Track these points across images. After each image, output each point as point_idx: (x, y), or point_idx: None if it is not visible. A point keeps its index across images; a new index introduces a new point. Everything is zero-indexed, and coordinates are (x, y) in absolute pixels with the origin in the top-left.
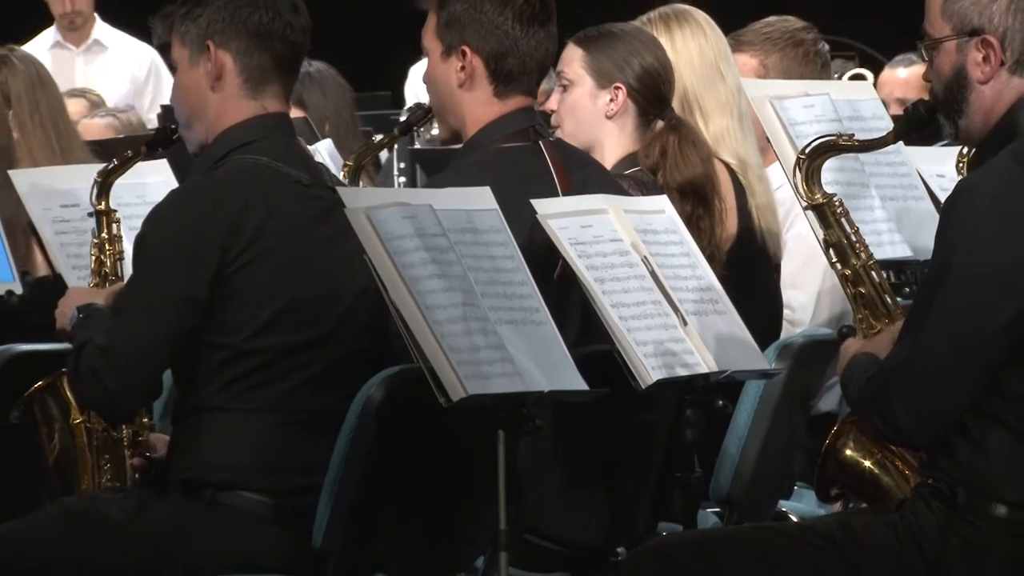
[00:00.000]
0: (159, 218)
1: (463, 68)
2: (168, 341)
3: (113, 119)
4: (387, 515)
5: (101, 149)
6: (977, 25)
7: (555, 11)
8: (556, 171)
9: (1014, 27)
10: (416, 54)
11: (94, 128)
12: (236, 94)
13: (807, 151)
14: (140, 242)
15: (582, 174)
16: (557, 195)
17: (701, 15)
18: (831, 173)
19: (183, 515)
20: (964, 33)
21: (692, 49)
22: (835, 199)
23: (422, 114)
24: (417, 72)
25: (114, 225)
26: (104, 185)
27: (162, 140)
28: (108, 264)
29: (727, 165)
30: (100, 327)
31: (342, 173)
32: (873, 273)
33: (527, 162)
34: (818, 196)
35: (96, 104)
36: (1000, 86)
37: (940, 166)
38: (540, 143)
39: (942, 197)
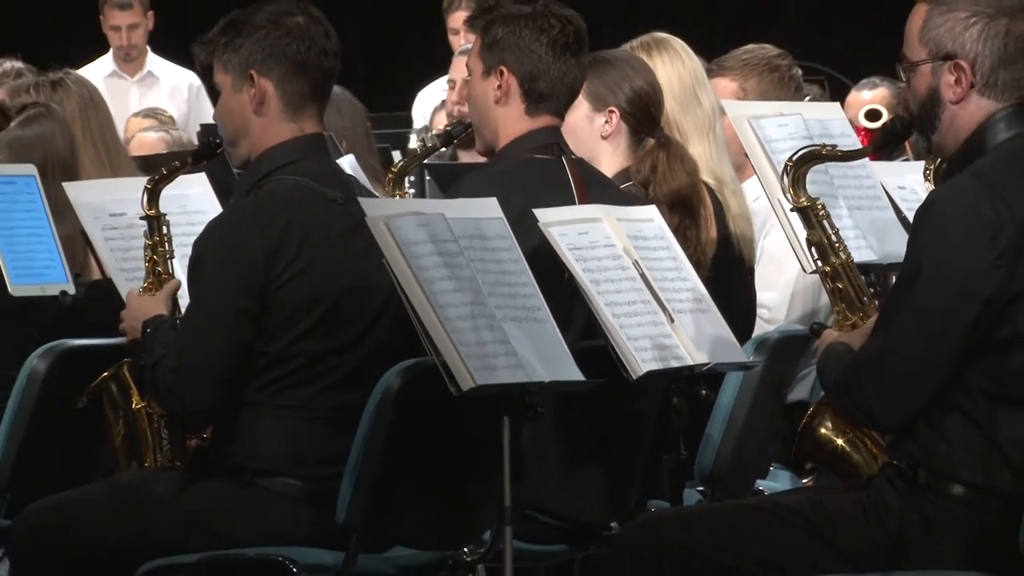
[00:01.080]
0: (210, 242)
1: (500, 86)
2: (231, 354)
3: (165, 134)
4: (403, 493)
5: (145, 164)
6: (951, 50)
7: (587, 44)
8: (576, 184)
9: (984, 53)
10: (424, 80)
11: (147, 142)
12: (277, 117)
13: (794, 159)
14: (194, 265)
15: (601, 193)
16: (575, 204)
17: (679, 43)
18: (807, 183)
19: (224, 495)
20: (939, 57)
21: (671, 75)
22: (818, 203)
23: (462, 128)
24: (425, 96)
25: (164, 228)
26: (154, 192)
27: (206, 153)
28: (161, 264)
29: (705, 183)
30: (168, 342)
31: (387, 182)
32: (851, 271)
33: (548, 172)
34: (803, 199)
35: (166, 123)
36: (970, 106)
37: (901, 179)
38: (563, 158)
39: (903, 207)
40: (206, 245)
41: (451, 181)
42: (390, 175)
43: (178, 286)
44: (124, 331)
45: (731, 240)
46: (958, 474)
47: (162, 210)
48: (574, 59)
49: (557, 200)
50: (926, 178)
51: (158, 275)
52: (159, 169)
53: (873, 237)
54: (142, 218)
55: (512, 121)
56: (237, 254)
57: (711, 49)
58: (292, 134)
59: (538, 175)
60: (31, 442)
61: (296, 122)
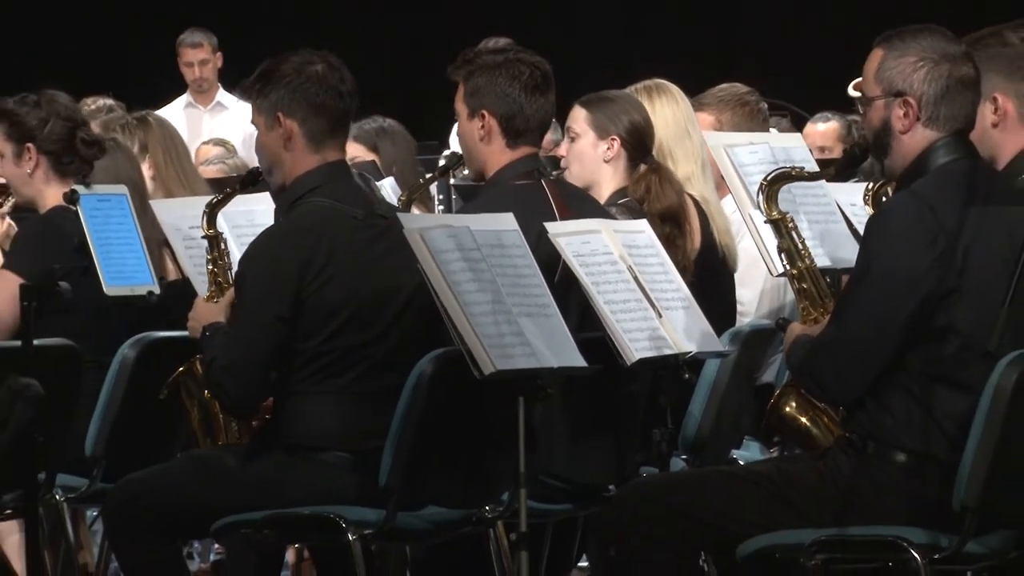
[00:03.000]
0: (250, 259)
1: (483, 127)
2: (270, 353)
3: (223, 164)
4: (435, 460)
5: (216, 186)
6: (901, 88)
7: (554, 82)
8: (555, 202)
9: (928, 92)
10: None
11: (209, 171)
12: (303, 150)
13: (768, 179)
14: (239, 279)
15: (580, 206)
16: (555, 220)
17: (674, 88)
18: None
19: (284, 465)
20: (891, 94)
21: (667, 113)
22: (787, 216)
23: (456, 160)
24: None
25: (222, 244)
26: (211, 215)
27: (251, 180)
28: (221, 275)
29: (693, 199)
30: (221, 344)
31: (400, 204)
32: (814, 273)
33: (532, 197)
34: (775, 213)
35: (230, 151)
36: (916, 136)
37: (853, 197)
38: (542, 181)
39: (853, 221)
40: (249, 261)
41: (472, 197)
42: (401, 199)
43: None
44: (190, 332)
45: (715, 248)
46: (901, 444)
47: (234, 223)
48: (543, 97)
49: (541, 218)
50: (865, 202)
51: (219, 285)
52: (215, 194)
53: (828, 245)
54: (203, 237)
55: (495, 154)
56: (274, 268)
57: (694, 86)
58: (317, 163)
59: (521, 200)
60: (122, 419)
61: (319, 153)
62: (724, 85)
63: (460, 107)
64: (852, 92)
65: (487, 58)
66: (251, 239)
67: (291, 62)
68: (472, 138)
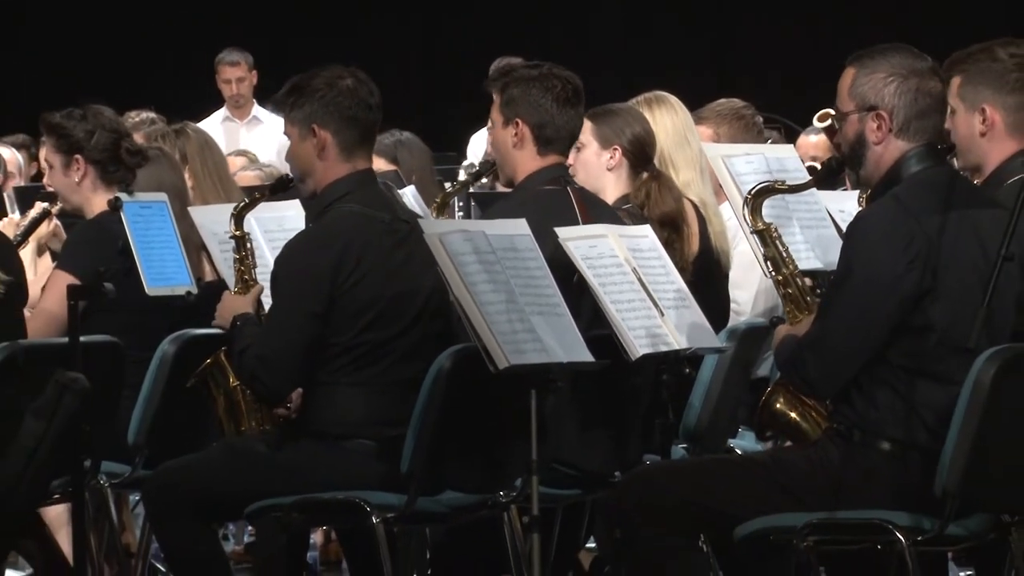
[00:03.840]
0: (287, 260)
1: (516, 134)
2: (304, 347)
3: (260, 172)
4: (453, 448)
5: (249, 194)
6: (873, 103)
7: (584, 97)
8: (579, 208)
9: (899, 105)
10: (474, 127)
11: (247, 178)
12: (335, 159)
13: (752, 192)
14: (275, 278)
15: (599, 212)
16: (579, 223)
17: (673, 99)
18: (767, 208)
19: (312, 452)
20: (864, 108)
21: (667, 123)
22: (772, 226)
23: (489, 166)
24: (476, 139)
25: (248, 244)
26: (239, 217)
27: (280, 187)
28: (247, 273)
29: (692, 203)
30: (253, 334)
31: (432, 208)
32: (798, 278)
33: (558, 201)
34: (760, 224)
35: (253, 161)
36: (889, 147)
37: (841, 204)
38: (568, 188)
39: (842, 226)
40: (283, 262)
41: (489, 205)
42: (435, 203)
43: (262, 290)
44: (218, 322)
45: (712, 251)
46: (886, 433)
47: (266, 228)
48: (574, 110)
49: (564, 221)
50: (859, 204)
51: (245, 282)
52: (243, 199)
53: (819, 249)
54: (231, 237)
55: (527, 161)
56: (308, 269)
57: (694, 101)
58: (347, 171)
59: (549, 203)
60: (162, 410)
61: (350, 162)
62: (721, 100)
63: (496, 116)
64: (817, 124)
65: (523, 72)
66: (281, 243)
67: (322, 77)
68: (505, 145)
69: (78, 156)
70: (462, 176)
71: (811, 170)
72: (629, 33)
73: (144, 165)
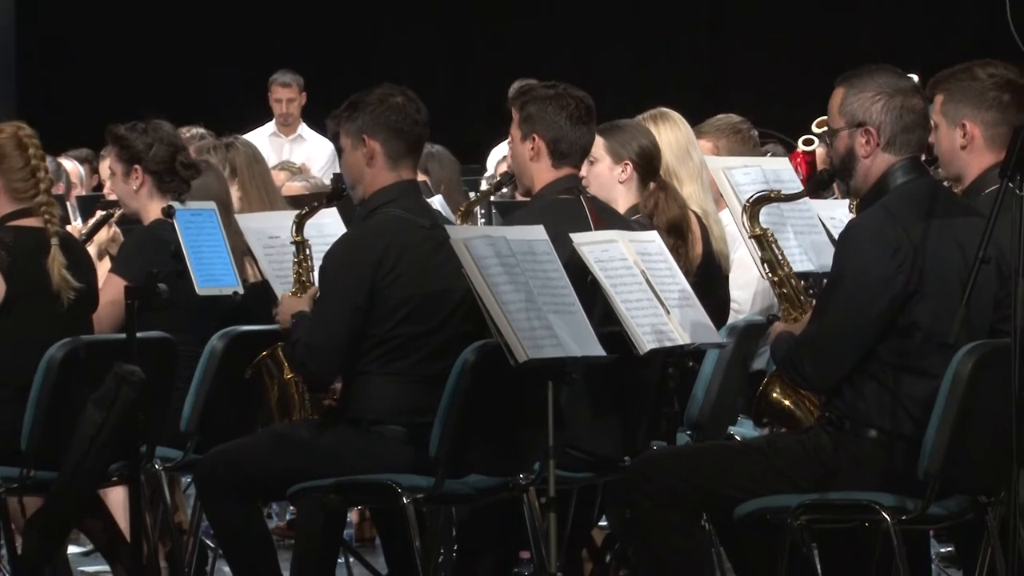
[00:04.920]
0: (333, 256)
1: (533, 148)
2: (347, 336)
3: (307, 182)
4: (477, 435)
5: (294, 202)
6: (862, 119)
7: (595, 114)
8: (591, 216)
9: (886, 121)
10: (495, 140)
11: (295, 188)
12: (383, 168)
13: (750, 201)
14: (322, 272)
15: (610, 219)
16: (591, 229)
17: (676, 115)
18: (764, 216)
19: (349, 437)
20: (853, 125)
21: (671, 138)
22: (769, 231)
23: (508, 177)
24: (496, 152)
25: (307, 250)
26: (300, 225)
27: (336, 195)
28: (305, 276)
29: (695, 213)
30: (306, 328)
31: (457, 215)
32: (792, 279)
33: (572, 210)
34: (758, 230)
35: (294, 173)
36: (877, 160)
37: (832, 211)
38: (581, 198)
39: (833, 232)
40: (331, 258)
41: (509, 213)
42: (460, 211)
43: (316, 292)
44: (277, 321)
45: (713, 255)
46: (873, 422)
47: (306, 234)
48: (586, 127)
49: (578, 228)
50: (850, 211)
51: (303, 283)
52: (304, 207)
53: (812, 253)
54: (292, 243)
55: (543, 172)
56: (353, 264)
57: (696, 116)
58: (394, 180)
59: (563, 211)
60: (212, 400)
61: (396, 171)
62: (720, 116)
63: (515, 131)
64: (816, 129)
65: (540, 91)
66: (322, 244)
67: (375, 94)
68: (523, 158)
69: (137, 166)
70: (483, 186)
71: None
72: (636, 55)
73: (197, 177)
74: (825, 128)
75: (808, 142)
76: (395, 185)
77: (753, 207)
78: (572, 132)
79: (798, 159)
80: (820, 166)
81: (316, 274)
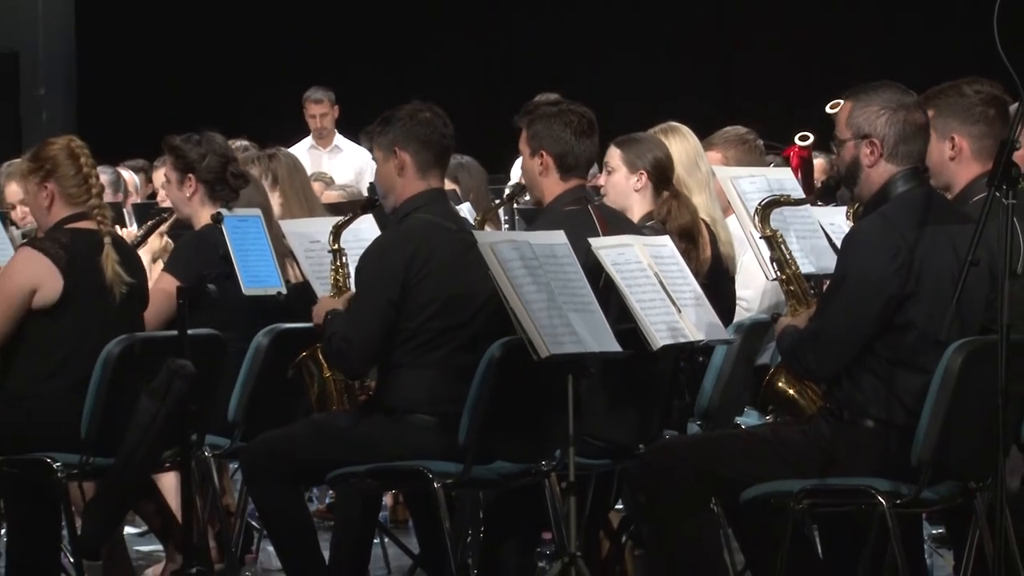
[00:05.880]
0: (369, 256)
1: (541, 163)
2: (381, 330)
3: (343, 192)
4: (503, 424)
5: (333, 208)
6: (867, 132)
7: (597, 127)
8: (599, 223)
9: (889, 133)
10: (518, 152)
11: (332, 196)
12: (413, 178)
13: (762, 204)
14: (358, 272)
15: (618, 225)
16: (599, 236)
17: (685, 129)
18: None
19: (383, 426)
20: (859, 136)
21: (681, 150)
22: (778, 233)
23: (519, 189)
24: (519, 163)
25: (343, 257)
26: (336, 234)
27: (369, 205)
28: (341, 281)
29: (704, 220)
30: (342, 323)
31: (476, 220)
32: (799, 278)
33: (580, 219)
34: (768, 231)
35: (328, 183)
36: (879, 169)
37: (831, 218)
38: (589, 207)
39: (832, 236)
40: (367, 259)
41: (532, 219)
42: (477, 219)
43: (352, 295)
44: (314, 317)
45: (721, 259)
46: (870, 413)
47: (344, 238)
48: (589, 139)
49: (587, 235)
50: (848, 217)
51: (339, 287)
52: (342, 215)
53: (812, 256)
54: (329, 251)
55: (551, 185)
56: (386, 265)
57: (705, 128)
58: (423, 188)
59: (573, 221)
60: (257, 392)
61: (425, 180)
62: (728, 128)
63: (523, 147)
64: (829, 110)
65: (544, 109)
66: (359, 247)
67: (405, 109)
68: (533, 172)
69: (191, 175)
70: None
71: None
72: (648, 69)
73: (245, 187)
74: (838, 107)
75: (804, 138)
76: (425, 193)
77: (764, 210)
78: (577, 145)
79: (794, 152)
80: (815, 160)
81: (352, 280)
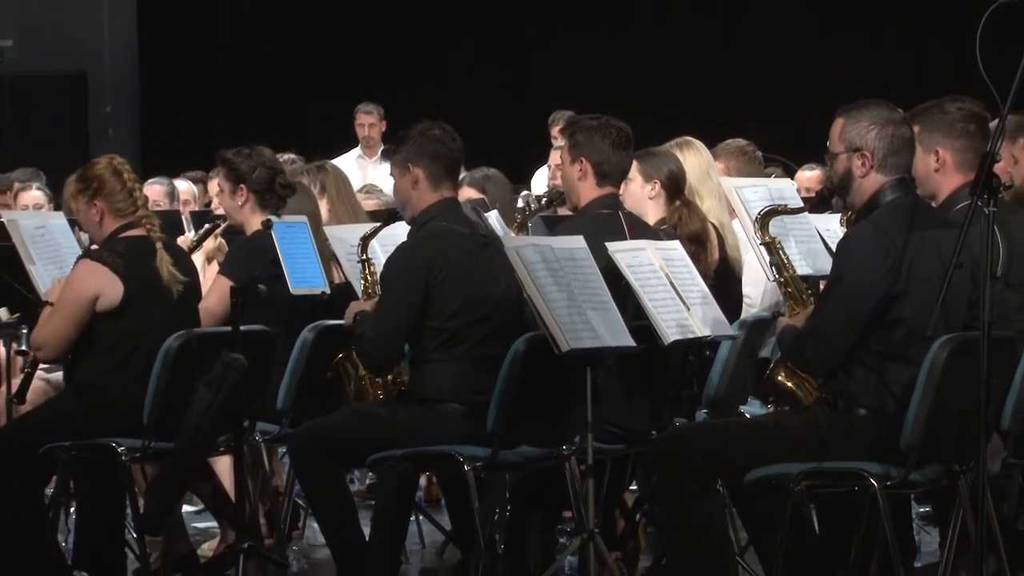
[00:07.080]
0: (392, 262)
1: (580, 170)
2: (405, 329)
3: (379, 200)
4: (527, 412)
5: (374, 216)
6: (858, 145)
7: (633, 141)
8: (627, 227)
9: (879, 147)
10: (538, 164)
11: (368, 205)
12: (427, 190)
13: (761, 213)
14: (383, 277)
15: (643, 230)
16: (627, 239)
17: (698, 143)
18: (771, 227)
19: (417, 415)
20: (851, 150)
21: (694, 162)
22: (776, 239)
23: (558, 194)
24: (538, 175)
25: (371, 266)
26: (364, 245)
27: (392, 218)
28: (371, 287)
29: (713, 225)
30: (370, 323)
31: (513, 227)
32: (796, 280)
33: (611, 222)
34: (767, 237)
35: (370, 192)
36: (870, 179)
37: (827, 224)
38: (619, 213)
39: (828, 240)
40: (390, 265)
41: (554, 225)
42: (515, 224)
43: (378, 298)
44: (345, 320)
45: (728, 261)
46: (862, 402)
47: (383, 242)
48: (625, 152)
49: (616, 237)
50: (841, 224)
51: (368, 293)
52: (375, 222)
53: (810, 259)
54: (359, 261)
55: (588, 190)
56: (409, 269)
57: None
58: (436, 199)
59: (605, 224)
60: (303, 383)
61: (438, 191)
62: (730, 140)
63: (564, 156)
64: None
65: (587, 122)
66: (390, 249)
67: (417, 128)
68: (572, 178)
69: (243, 185)
70: (519, 203)
71: (805, 200)
72: (661, 87)
73: (291, 196)
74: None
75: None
76: (439, 203)
77: (764, 218)
78: (614, 156)
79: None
80: (811, 171)
81: (378, 286)
